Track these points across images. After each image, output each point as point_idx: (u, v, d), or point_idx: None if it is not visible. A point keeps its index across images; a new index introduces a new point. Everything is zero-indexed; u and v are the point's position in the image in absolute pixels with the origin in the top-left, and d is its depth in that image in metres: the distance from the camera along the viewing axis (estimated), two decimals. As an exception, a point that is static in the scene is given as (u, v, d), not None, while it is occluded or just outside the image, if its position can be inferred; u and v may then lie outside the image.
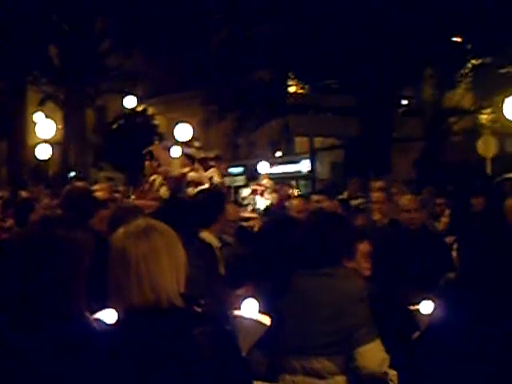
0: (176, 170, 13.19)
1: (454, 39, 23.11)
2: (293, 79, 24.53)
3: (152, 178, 12.51)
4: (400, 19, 20.61)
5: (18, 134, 32.75)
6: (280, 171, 34.48)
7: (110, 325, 3.28)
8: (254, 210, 13.72)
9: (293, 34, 22.22)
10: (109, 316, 3.40)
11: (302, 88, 24.18)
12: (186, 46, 28.31)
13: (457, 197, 11.04)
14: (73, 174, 26.72)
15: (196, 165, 13.33)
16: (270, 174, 30.79)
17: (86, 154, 32.68)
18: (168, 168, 13.30)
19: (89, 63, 30.68)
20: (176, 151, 16.05)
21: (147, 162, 13.65)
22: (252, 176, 23.07)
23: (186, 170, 13.06)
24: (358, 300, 4.58)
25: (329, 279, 4.67)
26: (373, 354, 4.52)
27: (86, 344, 3.04)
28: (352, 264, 4.94)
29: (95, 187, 9.15)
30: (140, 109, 35.01)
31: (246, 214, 10.64)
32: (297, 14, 22.06)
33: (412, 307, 5.36)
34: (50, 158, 25.36)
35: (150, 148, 14.56)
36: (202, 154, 13.98)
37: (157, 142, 17.27)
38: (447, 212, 9.25)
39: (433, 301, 5.14)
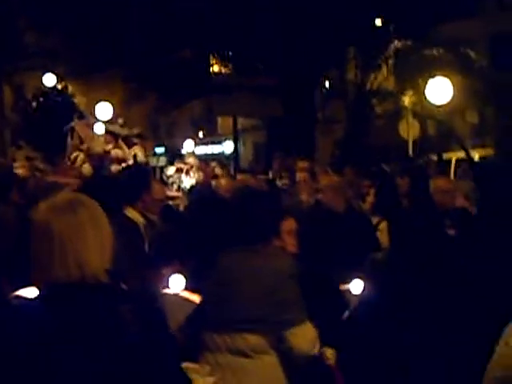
0: (99, 148, 12.91)
1: (377, 21, 23.24)
2: (215, 59, 24.38)
3: (74, 154, 12.28)
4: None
5: None
6: (203, 152, 34.38)
7: (32, 300, 3.07)
8: (179, 189, 13.53)
9: (214, 11, 22.03)
10: (31, 293, 3.20)
11: (224, 67, 24.05)
12: (106, 24, 27.75)
13: (382, 177, 11.06)
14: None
15: (120, 142, 13.12)
16: (194, 154, 30.67)
17: (5, 133, 31.96)
18: (91, 145, 13.04)
19: (6, 40, 29.94)
20: (99, 128, 15.67)
21: (69, 139, 13.38)
22: (173, 156, 22.80)
23: (110, 147, 12.84)
24: (287, 276, 4.50)
25: (256, 256, 4.60)
26: (305, 335, 4.48)
27: (3, 322, 2.89)
28: (278, 242, 4.91)
29: (15, 164, 8.92)
30: (60, 87, 34.40)
31: (172, 193, 10.49)
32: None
33: (342, 286, 5.34)
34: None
35: (72, 124, 14.26)
36: (125, 132, 13.77)
37: (77, 120, 16.80)
38: (372, 191, 9.24)
39: (362, 280, 5.12)
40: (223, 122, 33.41)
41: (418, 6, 21.29)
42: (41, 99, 33.69)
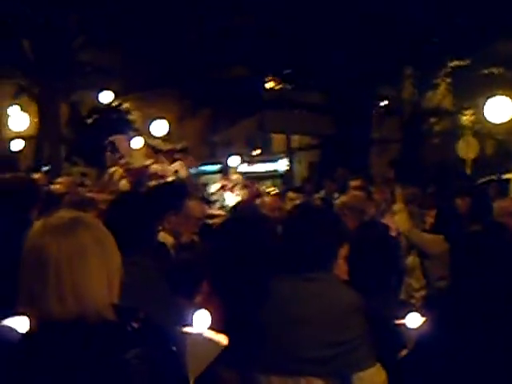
0: (138, 162, 12.53)
1: (434, 39, 22.84)
2: (270, 76, 24.21)
3: (112, 169, 11.95)
4: (381, 18, 20.30)
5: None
6: (257, 170, 34.16)
7: (18, 335, 2.62)
8: (222, 207, 13.08)
9: (270, 30, 21.88)
10: (20, 325, 2.73)
11: (278, 84, 23.86)
12: (161, 41, 27.79)
13: (441, 197, 10.67)
14: (46, 168, 26.30)
15: (161, 157, 12.77)
16: (247, 172, 30.47)
17: (60, 149, 32.16)
18: (129, 160, 12.68)
19: (62, 58, 30.18)
20: (138, 142, 15.23)
21: (108, 154, 13.12)
22: (225, 173, 22.61)
23: (149, 162, 12.47)
24: (354, 310, 3.95)
25: (318, 285, 3.98)
26: (373, 381, 3.88)
27: None
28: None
29: (57, 180, 8.74)
30: (115, 104, 34.57)
31: (213, 211, 10.06)
32: (275, 10, 21.73)
33: (397, 321, 4.52)
34: (22, 152, 24.97)
35: (112, 139, 14.01)
36: (167, 146, 13.46)
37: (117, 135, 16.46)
38: (432, 212, 8.83)
39: (421, 314, 4.35)
40: (278, 140, 33.15)
41: (476, 23, 20.87)
42: (96, 116, 33.84)
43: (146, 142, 14.16)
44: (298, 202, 9.82)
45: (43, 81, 30.54)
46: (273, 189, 16.25)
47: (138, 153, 13.47)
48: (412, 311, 4.43)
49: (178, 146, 13.31)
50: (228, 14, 23.39)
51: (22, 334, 2.60)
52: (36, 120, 30.03)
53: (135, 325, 2.53)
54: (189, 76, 25.82)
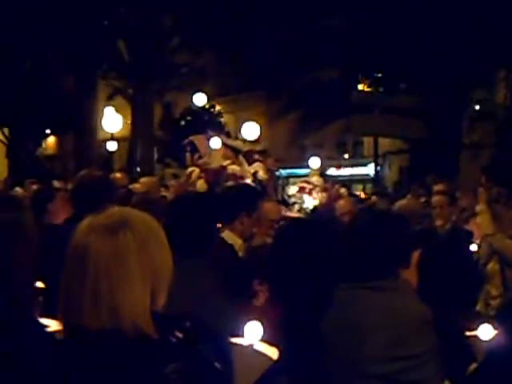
0: (216, 163, 12.39)
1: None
2: (362, 79, 24.05)
3: (189, 169, 11.86)
4: (474, 20, 19.96)
5: (87, 128, 32.77)
6: (347, 173, 34.02)
7: (55, 342, 2.46)
8: (300, 210, 12.87)
9: (363, 32, 21.74)
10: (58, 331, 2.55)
11: (369, 87, 23.67)
12: (254, 43, 27.89)
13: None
14: (139, 169, 26.71)
15: (240, 158, 12.61)
16: (338, 176, 30.32)
17: (153, 150, 32.59)
18: (207, 160, 12.57)
19: (157, 59, 30.56)
20: (217, 143, 14.99)
21: (187, 154, 13.05)
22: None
23: (227, 162, 12.30)
24: (422, 323, 3.63)
25: (384, 295, 3.69)
26: None
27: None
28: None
29: (139, 180, 8.80)
30: (207, 106, 34.83)
31: (290, 214, 9.89)
32: (368, 12, 21.60)
33: (469, 333, 4.23)
34: (116, 153, 25.38)
35: (191, 138, 13.96)
36: (247, 147, 13.31)
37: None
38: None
39: (493, 325, 4.06)
40: (370, 144, 32.94)
41: None
42: (189, 118, 34.16)
43: (224, 142, 13.94)
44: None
45: (138, 82, 30.98)
46: (360, 193, 16.04)
47: (216, 153, 13.27)
48: (484, 322, 4.14)
49: (258, 148, 13.18)
50: (320, 15, 23.32)
51: (54, 339, 2.50)
52: (129, 121, 30.46)
53: (179, 335, 2.31)
54: (280, 78, 25.86)
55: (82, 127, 32.64)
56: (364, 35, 21.94)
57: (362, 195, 17.20)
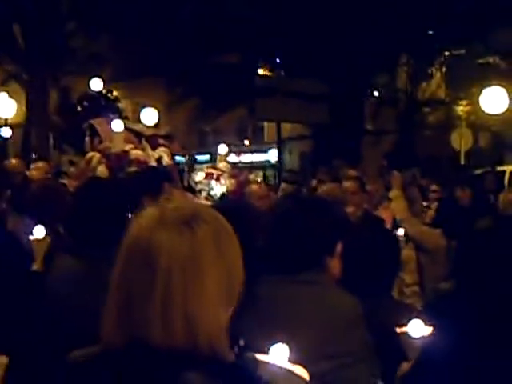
0: (118, 147, 11.84)
1: (430, 27, 22.52)
2: (263, 63, 23.85)
3: (89, 155, 11.26)
4: (377, 4, 19.98)
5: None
6: (247, 160, 33.90)
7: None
8: (208, 197, 12.48)
9: (264, 16, 21.54)
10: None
11: (270, 71, 23.48)
12: (153, 27, 27.42)
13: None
14: (34, 156, 25.95)
15: (143, 143, 12.10)
16: (239, 162, 30.14)
17: (49, 136, 31.78)
18: (108, 144, 12.00)
19: (53, 44, 29.77)
20: (118, 126, 14.24)
21: (87, 138, 12.54)
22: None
23: (129, 147, 11.74)
24: (355, 316, 3.35)
25: (312, 289, 3.33)
26: None
27: None
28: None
29: (32, 166, 8.34)
30: (105, 91, 34.27)
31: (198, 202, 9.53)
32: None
33: (398, 329, 3.79)
34: (11, 140, 24.68)
35: (92, 122, 13.43)
36: (150, 131, 12.87)
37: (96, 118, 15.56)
38: (433, 205, 8.43)
39: (423, 321, 3.66)
40: (270, 130, 32.86)
41: (473, 11, 20.52)
42: (85, 103, 33.50)
43: (126, 125, 13.37)
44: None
45: (33, 67, 30.13)
46: (261, 179, 15.79)
47: (118, 137, 12.69)
48: (413, 317, 3.84)
49: (162, 132, 12.73)
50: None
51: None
52: (24, 107, 29.64)
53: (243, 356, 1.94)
54: (179, 63, 25.46)
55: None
56: (264, 18, 21.76)
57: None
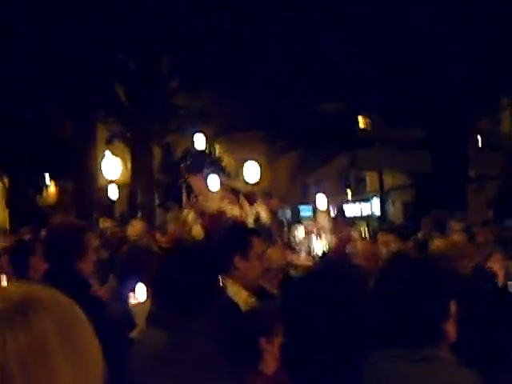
0: (213, 205, 11.50)
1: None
2: (362, 114, 23.76)
3: (185, 212, 11.06)
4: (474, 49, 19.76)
5: (87, 174, 32.52)
6: (350, 212, 33.60)
7: None
8: (309, 255, 11.78)
9: (362, 66, 21.52)
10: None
11: (369, 118, 23.37)
12: (255, 82, 27.71)
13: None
14: (140, 215, 26.37)
15: (241, 200, 11.76)
16: (341, 214, 29.88)
17: (153, 194, 32.26)
18: (204, 201, 11.76)
19: (156, 102, 30.37)
20: (215, 182, 13.93)
21: (184, 194, 12.43)
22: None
23: (225, 204, 11.42)
24: None
25: (427, 368, 2.92)
26: None
27: None
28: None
29: (130, 225, 8.39)
30: (207, 147, 34.58)
31: (297, 260, 9.02)
32: (369, 48, 21.42)
33: None
34: (117, 199, 25.14)
35: (187, 178, 13.35)
36: (248, 188, 12.65)
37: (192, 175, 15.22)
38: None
39: None
40: (371, 180, 32.59)
41: None
42: (189, 160, 33.89)
43: (222, 182, 13.17)
44: (392, 245, 9.18)
45: (136, 125, 30.78)
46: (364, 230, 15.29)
47: (215, 194, 12.44)
48: None
49: (262, 187, 12.53)
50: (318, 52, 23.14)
51: None
52: (129, 166, 30.21)
53: None
54: (278, 117, 25.60)
55: (82, 173, 32.42)
56: (363, 67, 21.75)
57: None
